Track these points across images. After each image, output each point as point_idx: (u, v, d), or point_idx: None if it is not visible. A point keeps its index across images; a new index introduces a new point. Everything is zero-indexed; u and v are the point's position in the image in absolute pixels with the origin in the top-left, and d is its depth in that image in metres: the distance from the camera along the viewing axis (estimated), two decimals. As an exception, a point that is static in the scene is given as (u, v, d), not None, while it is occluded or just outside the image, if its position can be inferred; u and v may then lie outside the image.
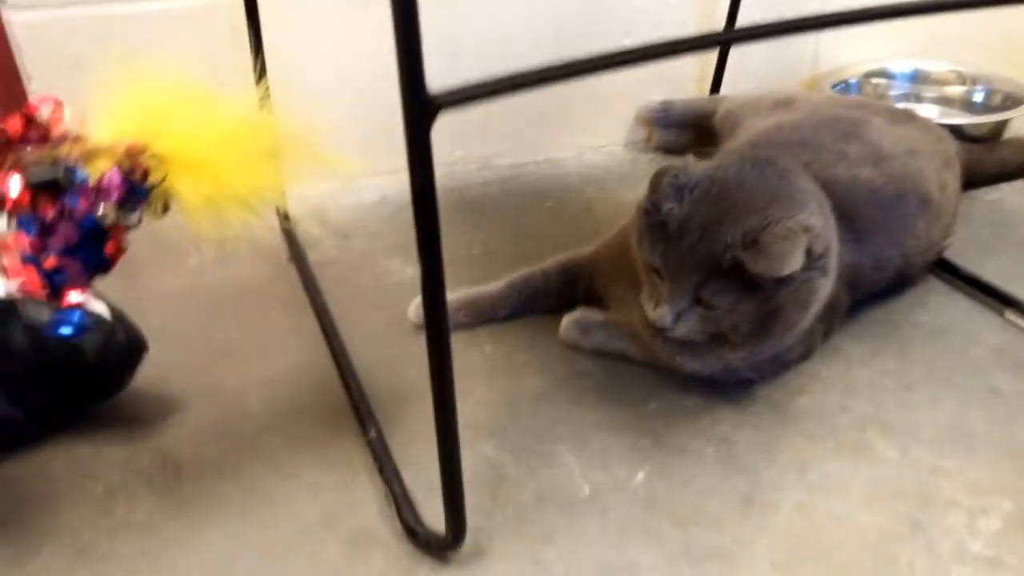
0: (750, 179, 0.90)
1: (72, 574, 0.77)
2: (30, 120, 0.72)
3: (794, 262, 0.85)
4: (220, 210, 0.74)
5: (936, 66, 1.72)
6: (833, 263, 0.93)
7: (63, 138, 0.71)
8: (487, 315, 1.11)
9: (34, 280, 0.72)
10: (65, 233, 0.71)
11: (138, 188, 0.71)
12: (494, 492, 0.86)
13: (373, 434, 0.90)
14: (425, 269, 0.65)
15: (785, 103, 1.34)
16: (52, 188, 0.70)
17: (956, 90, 1.70)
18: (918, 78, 1.73)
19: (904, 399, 0.99)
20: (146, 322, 0.96)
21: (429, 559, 0.78)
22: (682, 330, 0.90)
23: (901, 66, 1.73)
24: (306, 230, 1.34)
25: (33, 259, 0.72)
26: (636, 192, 1.49)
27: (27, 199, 0.69)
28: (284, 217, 1.33)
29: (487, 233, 1.35)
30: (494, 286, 1.13)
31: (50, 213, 0.70)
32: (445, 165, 1.55)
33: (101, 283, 0.90)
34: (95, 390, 0.92)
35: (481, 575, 0.77)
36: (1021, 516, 0.83)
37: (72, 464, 0.89)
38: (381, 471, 0.86)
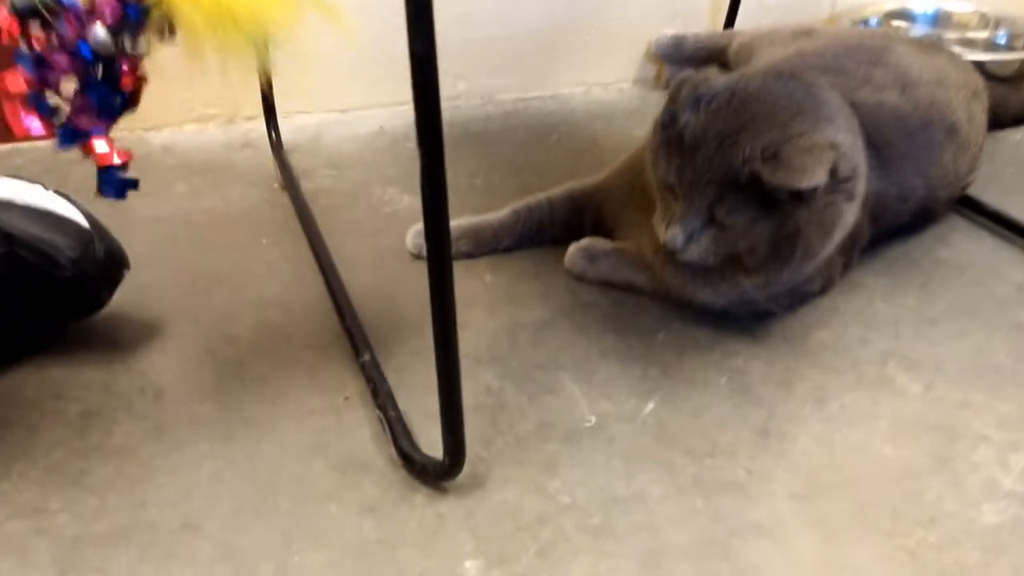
0: (774, 92, 0.84)
1: (43, 497, 0.72)
2: None
3: (816, 177, 0.79)
4: (222, 35, 0.66)
5: (958, 6, 1.64)
6: (860, 188, 0.87)
7: None
8: (490, 245, 1.05)
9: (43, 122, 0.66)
10: (60, 63, 0.64)
11: (133, 7, 0.64)
12: (494, 420, 0.81)
13: (367, 357, 0.84)
14: (426, 177, 0.59)
15: (805, 33, 1.28)
16: (41, 16, 0.63)
17: (979, 33, 1.63)
18: (940, 19, 1.65)
19: (927, 334, 0.93)
20: (130, 248, 0.91)
21: (425, 487, 0.73)
22: (694, 252, 0.84)
23: (923, 6, 1.65)
24: (298, 159, 1.29)
25: (35, 98, 0.65)
26: (644, 128, 1.44)
27: (16, 29, 0.63)
28: (277, 144, 1.28)
29: (490, 166, 1.29)
30: (497, 214, 1.07)
31: (42, 44, 0.63)
32: (447, 99, 1.46)
33: (85, 201, 0.85)
34: (71, 307, 0.86)
35: (480, 504, 0.72)
36: (1054, 451, 0.78)
37: (45, 386, 0.84)
38: (375, 395, 0.81)
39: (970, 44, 1.61)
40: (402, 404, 0.81)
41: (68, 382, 0.84)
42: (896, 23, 1.64)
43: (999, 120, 1.31)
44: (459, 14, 1.43)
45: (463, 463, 0.71)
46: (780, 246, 0.84)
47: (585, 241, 1.01)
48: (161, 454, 0.77)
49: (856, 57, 1.09)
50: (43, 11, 0.62)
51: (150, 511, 0.71)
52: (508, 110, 1.50)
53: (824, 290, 0.97)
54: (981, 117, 1.13)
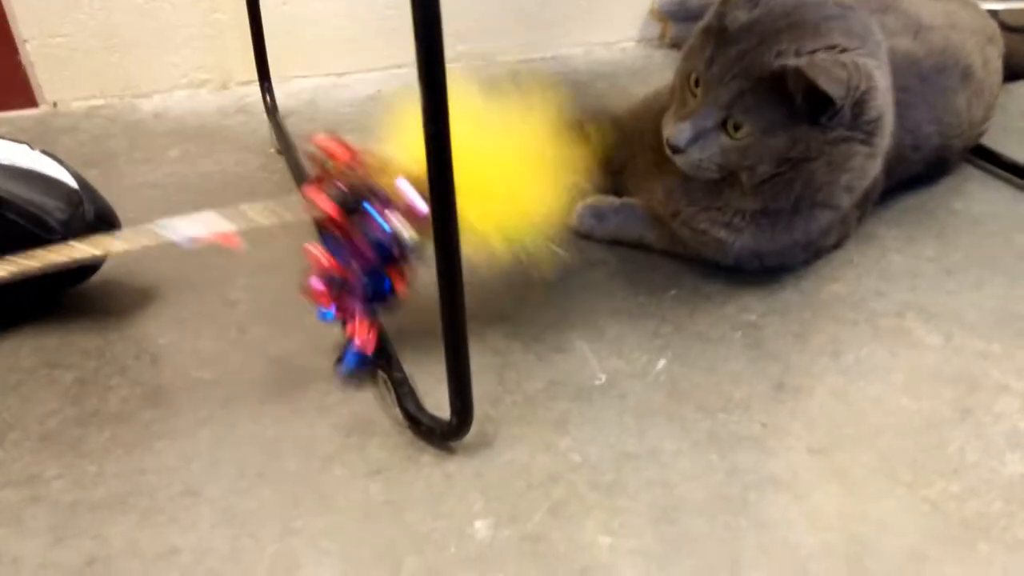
0: (832, 12, 0.80)
1: (39, 464, 0.70)
2: (347, 148, 0.74)
3: (844, 90, 0.75)
4: (506, 233, 0.73)
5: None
6: (882, 144, 0.84)
7: (367, 166, 0.73)
8: None
9: (324, 294, 0.74)
10: (365, 253, 0.72)
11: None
12: (502, 380, 0.79)
13: (369, 318, 0.82)
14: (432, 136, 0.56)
15: None
16: (354, 211, 0.71)
17: (989, -14, 1.59)
18: (948, -29, 1.61)
19: (944, 284, 0.91)
20: (123, 214, 0.88)
21: (432, 448, 0.71)
22: (695, 154, 0.81)
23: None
24: (294, 124, 1.26)
25: (331, 279, 0.73)
26: (648, 87, 1.41)
27: (341, 217, 0.71)
28: (272, 107, 1.24)
29: (489, 127, 1.26)
30: None
31: (352, 234, 0.72)
32: (448, 61, 1.45)
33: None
34: (63, 271, 0.83)
35: (489, 463, 0.70)
36: (1080, 399, 0.76)
37: (39, 352, 0.82)
38: (378, 355, 0.78)
39: (982, -3, 1.58)
40: (407, 366, 0.78)
41: (62, 349, 0.82)
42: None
43: (1012, 71, 1.27)
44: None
45: (471, 423, 0.69)
46: (783, 171, 0.81)
47: (591, 198, 0.98)
48: (159, 420, 0.74)
49: (866, 4, 1.05)
50: (364, 207, 0.71)
51: (149, 477, 0.69)
52: (509, 71, 1.46)
53: (839, 244, 0.95)
54: (996, 63, 1.09)
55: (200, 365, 0.81)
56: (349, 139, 0.77)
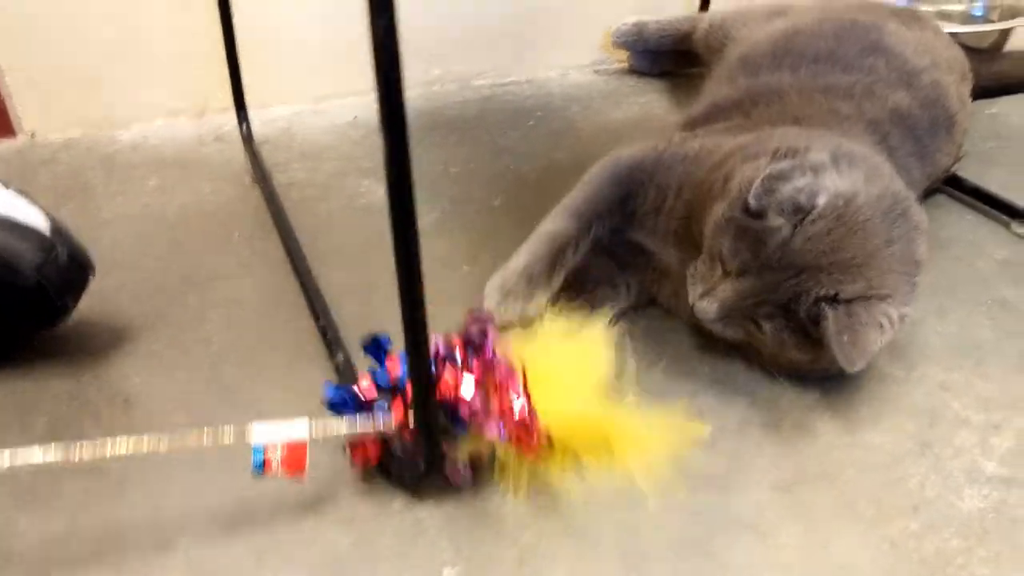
0: (875, 231, 0.76)
1: (10, 520, 0.70)
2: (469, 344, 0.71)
3: (863, 360, 0.74)
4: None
5: (936, -24, 1.63)
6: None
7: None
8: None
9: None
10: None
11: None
12: (473, 419, 0.80)
13: (340, 358, 0.83)
14: (388, 152, 0.57)
15: (780, 12, 1.25)
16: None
17: (955, 6, 1.62)
18: (917, -9, 1.64)
19: (909, 314, 0.93)
20: (99, 249, 0.89)
21: (401, 494, 0.72)
22: (719, 328, 0.81)
23: (900, -22, 1.63)
24: (271, 152, 1.26)
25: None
26: (622, 111, 1.43)
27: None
28: (248, 137, 1.25)
29: (466, 152, 1.27)
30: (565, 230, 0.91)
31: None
32: (422, 84, 1.46)
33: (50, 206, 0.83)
34: (35, 315, 0.84)
35: (459, 509, 0.71)
36: (1036, 432, 0.78)
37: (11, 397, 0.82)
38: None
39: (947, 17, 1.60)
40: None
41: (34, 394, 0.83)
42: (873, -4, 1.62)
43: (973, 92, 1.30)
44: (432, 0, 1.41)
45: (440, 470, 0.70)
46: (799, 365, 0.81)
47: None
48: (132, 468, 0.75)
49: (854, 41, 1.06)
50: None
51: (122, 531, 0.69)
52: (484, 95, 1.47)
53: None
54: (968, 100, 1.12)
55: (173, 408, 0.81)
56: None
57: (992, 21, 1.55)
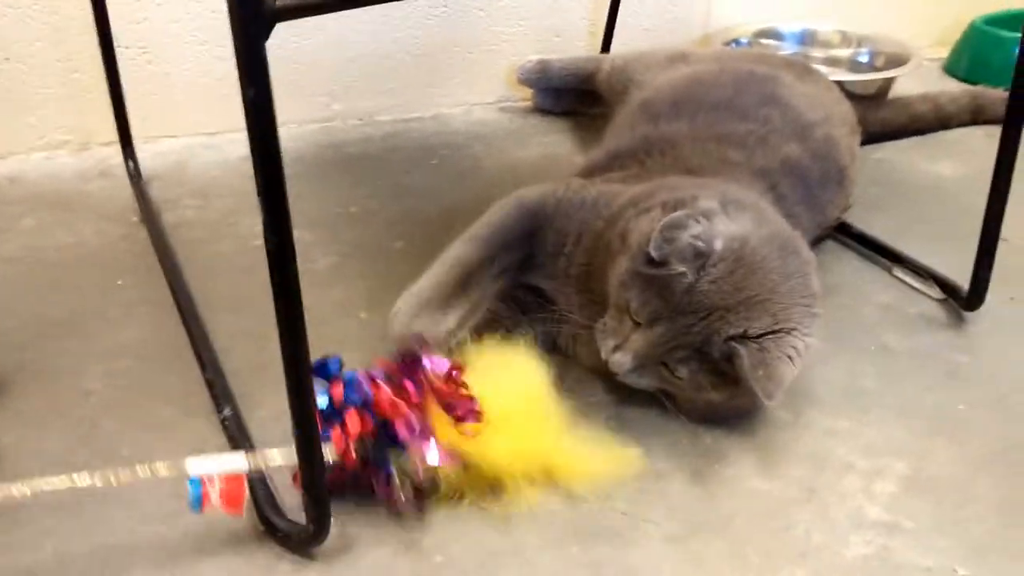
0: (775, 268, 0.80)
1: None
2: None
3: (778, 391, 0.77)
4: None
5: (822, 26, 1.71)
6: None
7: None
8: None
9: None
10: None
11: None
12: (366, 473, 0.78)
13: (228, 412, 0.80)
14: (269, 218, 0.55)
15: (679, 58, 1.29)
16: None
17: (842, 52, 1.70)
18: (806, 38, 1.71)
19: (797, 360, 0.95)
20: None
21: (289, 555, 0.69)
22: (633, 379, 0.82)
23: (790, 26, 1.71)
24: (161, 188, 1.22)
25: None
26: (527, 150, 1.43)
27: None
28: (135, 173, 1.20)
29: (367, 191, 1.25)
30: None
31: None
32: (321, 120, 1.44)
33: None
34: None
35: (349, 569, 0.69)
36: (916, 478, 0.80)
37: None
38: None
39: (835, 63, 1.68)
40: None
41: None
42: (765, 42, 1.69)
43: (860, 139, 1.36)
44: (333, 33, 1.39)
45: (328, 530, 0.67)
46: (717, 407, 0.83)
47: None
48: (0, 531, 0.70)
49: (752, 92, 1.10)
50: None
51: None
52: (388, 131, 1.46)
53: None
54: (858, 153, 1.17)
55: (46, 467, 0.76)
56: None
57: (877, 68, 1.63)
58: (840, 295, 1.06)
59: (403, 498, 0.71)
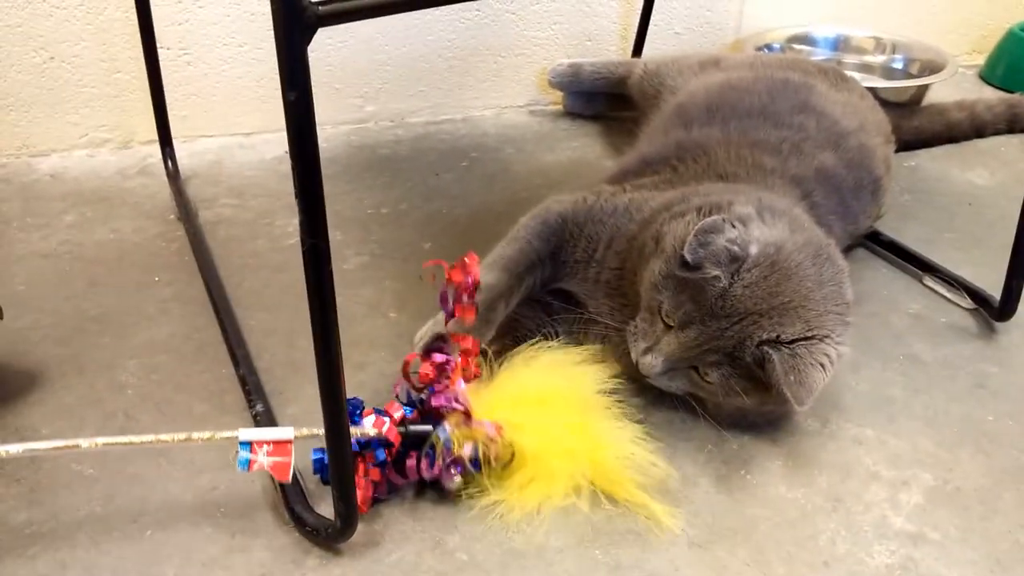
0: (808, 275, 0.80)
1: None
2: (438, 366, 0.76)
3: (808, 396, 0.76)
4: (537, 491, 0.76)
5: (856, 32, 1.69)
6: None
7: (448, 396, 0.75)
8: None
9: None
10: (400, 479, 0.75)
11: (476, 464, 0.75)
12: (393, 471, 0.79)
13: (260, 408, 0.81)
14: (306, 216, 0.56)
15: (712, 63, 1.29)
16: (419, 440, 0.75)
17: (876, 58, 1.68)
18: (840, 44, 1.70)
19: (825, 368, 0.95)
20: (11, 288, 0.86)
21: (317, 549, 0.71)
22: (665, 383, 0.83)
23: (824, 31, 1.70)
24: (198, 187, 1.24)
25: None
26: (557, 153, 1.44)
27: (396, 438, 0.73)
28: (173, 172, 1.23)
29: (398, 193, 1.27)
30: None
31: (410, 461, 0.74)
32: (354, 122, 1.46)
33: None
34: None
35: (375, 566, 0.70)
36: (942, 489, 0.80)
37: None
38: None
39: (868, 69, 1.67)
40: (298, 458, 0.78)
41: (-65, 442, 0.79)
42: (798, 47, 1.68)
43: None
44: (366, 36, 1.41)
45: (355, 525, 0.69)
46: (746, 414, 0.84)
47: None
48: (35, 522, 0.72)
49: (786, 98, 1.10)
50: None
51: (22, 586, 0.67)
52: (419, 133, 1.47)
53: None
54: (892, 163, 1.16)
55: (81, 458, 0.79)
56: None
57: (911, 75, 1.61)
58: (870, 303, 1.06)
59: (448, 470, 0.74)
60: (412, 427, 0.74)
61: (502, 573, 0.70)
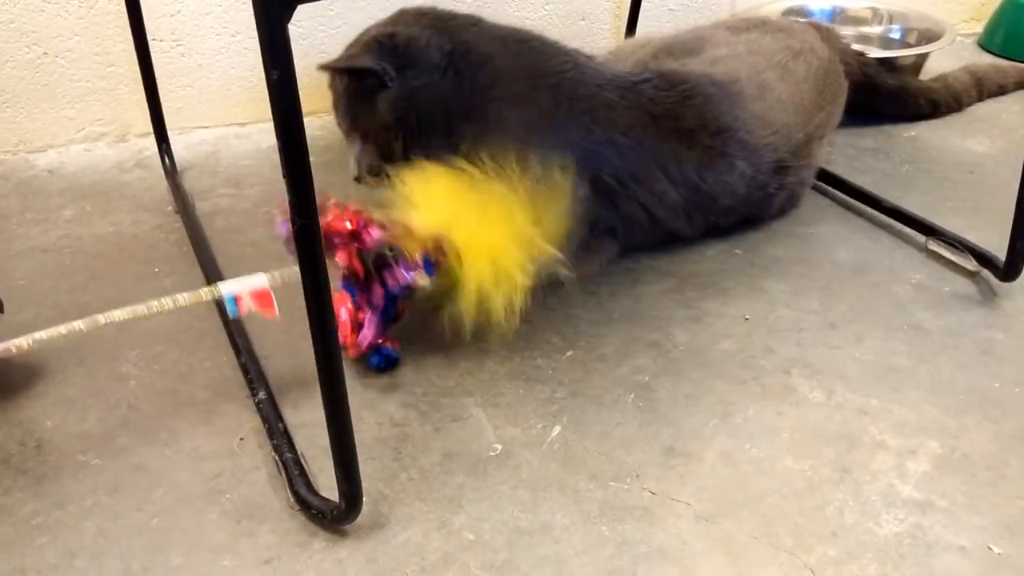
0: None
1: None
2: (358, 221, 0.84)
3: (358, 60, 0.94)
4: (485, 289, 0.84)
5: (854, 3, 1.68)
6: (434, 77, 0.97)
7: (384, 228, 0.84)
8: None
9: (345, 330, 0.85)
10: (379, 298, 0.86)
11: (430, 267, 0.85)
12: (398, 454, 0.79)
13: (262, 395, 0.81)
14: (296, 200, 0.56)
15: (640, 46, 1.30)
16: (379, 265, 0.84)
17: (874, 28, 1.67)
18: (836, 16, 1.69)
19: (828, 339, 0.95)
20: (11, 282, 0.86)
21: (323, 532, 0.71)
22: (364, 168, 1.01)
23: (820, 3, 1.68)
24: (195, 178, 1.24)
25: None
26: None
27: (356, 265, 0.84)
28: (169, 164, 1.22)
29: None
30: None
31: (375, 288, 0.85)
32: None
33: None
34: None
35: (382, 546, 0.70)
36: (949, 456, 0.80)
37: (-86, 443, 0.79)
38: (271, 436, 0.78)
39: (866, 40, 1.65)
40: (302, 443, 0.78)
41: (-60, 437, 0.79)
42: (795, 19, 1.66)
43: (905, 107, 1.42)
44: (357, 22, 1.38)
45: (360, 507, 0.69)
46: (390, 145, 0.99)
47: None
48: (42, 512, 0.72)
49: (681, 47, 1.18)
50: (388, 261, 0.84)
51: (29, 577, 0.67)
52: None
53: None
54: (803, 71, 1.14)
55: (87, 449, 0.79)
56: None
57: (910, 44, 1.60)
58: (872, 273, 1.05)
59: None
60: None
61: (509, 551, 0.70)
